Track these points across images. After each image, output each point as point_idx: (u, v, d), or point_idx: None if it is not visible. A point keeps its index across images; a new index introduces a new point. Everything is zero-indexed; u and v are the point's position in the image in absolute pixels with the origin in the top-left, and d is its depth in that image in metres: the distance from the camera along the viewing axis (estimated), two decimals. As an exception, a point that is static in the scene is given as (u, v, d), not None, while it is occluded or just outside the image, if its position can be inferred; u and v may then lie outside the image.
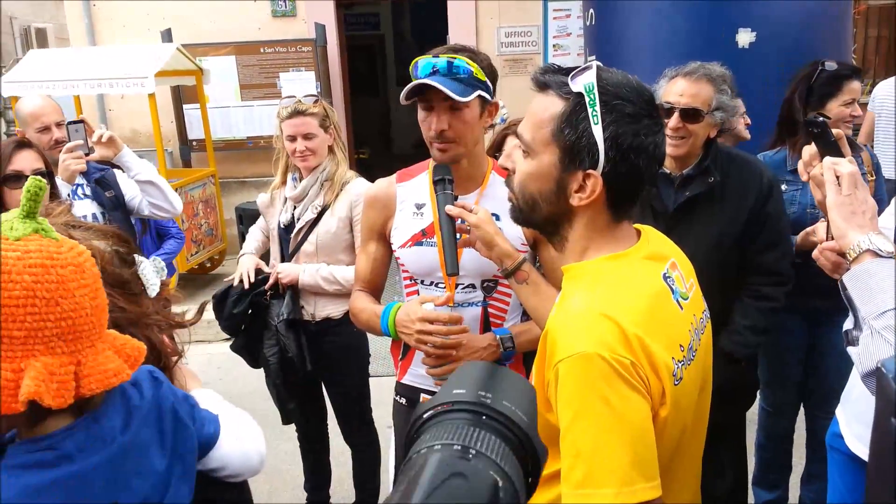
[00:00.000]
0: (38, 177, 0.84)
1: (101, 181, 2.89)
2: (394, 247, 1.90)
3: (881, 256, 1.20)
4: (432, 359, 1.74)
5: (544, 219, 1.19)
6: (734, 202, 2.17)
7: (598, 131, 1.07)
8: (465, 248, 1.69)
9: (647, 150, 1.08)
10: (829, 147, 1.39)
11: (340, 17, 7.32)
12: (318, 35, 6.72)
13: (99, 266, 0.95)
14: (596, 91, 1.07)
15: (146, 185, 2.95)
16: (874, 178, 2.67)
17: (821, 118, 1.44)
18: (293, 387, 2.78)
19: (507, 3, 6.95)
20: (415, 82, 1.65)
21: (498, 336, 1.78)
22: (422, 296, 1.82)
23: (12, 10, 8.43)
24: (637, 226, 1.23)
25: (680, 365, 1.09)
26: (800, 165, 1.55)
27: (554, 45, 7.03)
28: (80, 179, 2.85)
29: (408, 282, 1.91)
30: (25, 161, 2.50)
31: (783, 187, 2.50)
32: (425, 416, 0.51)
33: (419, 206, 1.86)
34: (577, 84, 1.08)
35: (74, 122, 2.86)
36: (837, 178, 1.30)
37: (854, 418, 1.72)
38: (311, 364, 2.69)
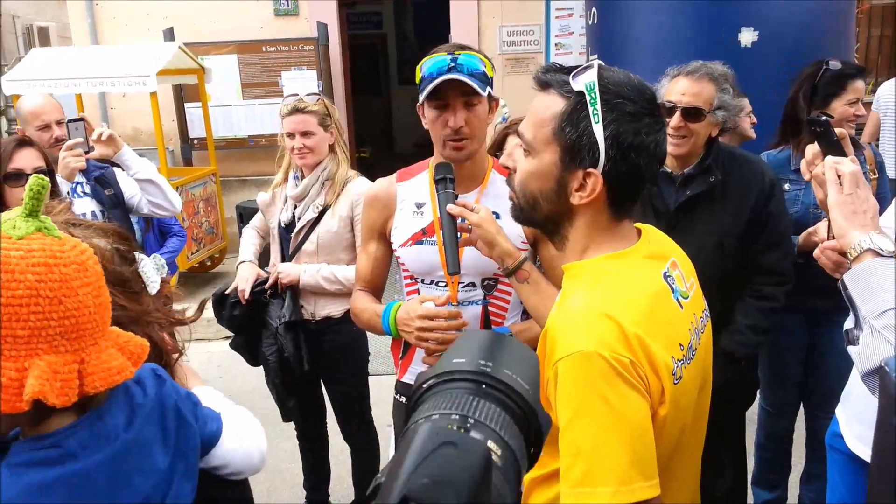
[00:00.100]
0: (41, 175, 0.84)
1: (101, 179, 2.90)
2: (394, 246, 1.90)
3: (882, 256, 1.20)
4: (433, 357, 1.74)
5: (545, 218, 1.19)
6: (736, 201, 2.17)
7: (598, 130, 1.07)
8: (466, 246, 1.69)
9: (647, 148, 1.08)
10: (832, 146, 1.38)
11: (343, 16, 7.32)
12: (320, 34, 6.72)
13: (100, 264, 0.95)
14: (597, 90, 1.07)
15: (145, 184, 2.95)
16: (877, 176, 2.66)
17: (824, 117, 1.44)
18: (292, 385, 2.78)
19: (509, 2, 6.94)
20: (443, 77, 1.63)
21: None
22: (422, 295, 1.82)
23: (15, 8, 8.43)
24: (638, 225, 1.23)
25: (679, 364, 1.09)
26: (802, 164, 1.55)
27: (556, 44, 7.03)
28: (79, 177, 2.85)
29: (408, 281, 1.91)
30: (26, 159, 2.50)
31: (786, 187, 2.49)
32: (425, 386, 0.50)
33: (419, 206, 1.86)
34: (579, 83, 1.08)
35: (74, 120, 2.86)
36: (839, 177, 1.30)
37: (854, 418, 1.72)
38: (309, 364, 2.69)
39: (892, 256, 1.20)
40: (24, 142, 2.57)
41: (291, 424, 2.99)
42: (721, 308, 2.10)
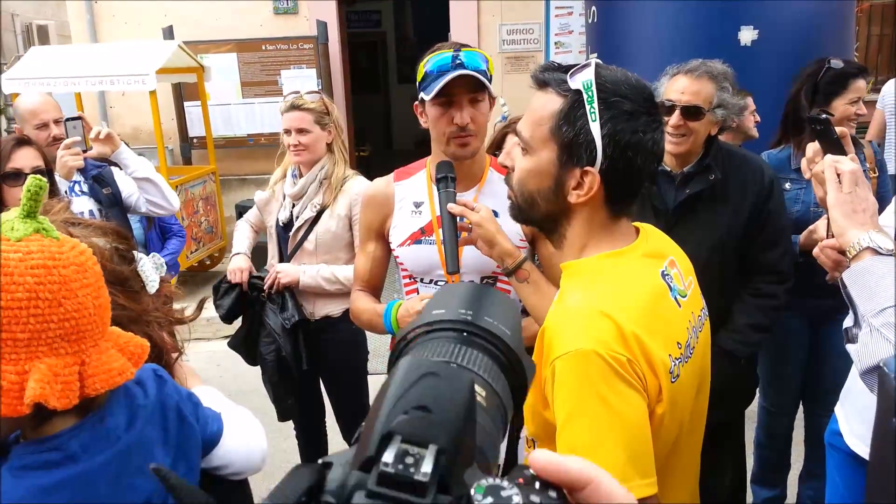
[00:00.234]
0: (39, 176, 0.83)
1: (99, 178, 2.89)
2: (392, 245, 1.90)
3: (881, 254, 1.20)
4: None
5: (543, 216, 1.19)
6: (735, 200, 2.17)
7: (595, 128, 1.07)
8: (466, 246, 1.69)
9: (645, 146, 1.08)
10: (832, 144, 1.38)
11: (342, 15, 7.32)
12: (319, 32, 6.72)
13: (99, 263, 0.95)
14: (594, 88, 1.07)
15: (143, 182, 2.95)
16: (877, 175, 2.66)
17: (824, 115, 1.44)
18: (291, 384, 2.78)
19: (508, 0, 6.94)
20: (455, 73, 1.63)
21: None
22: (422, 294, 1.82)
23: (14, 6, 8.42)
24: (636, 223, 1.23)
25: (677, 362, 1.09)
26: (803, 163, 1.55)
27: (556, 43, 7.02)
28: (77, 176, 2.85)
29: (407, 280, 1.91)
30: (25, 159, 2.50)
31: (787, 186, 2.49)
32: (406, 339, 0.49)
33: (417, 205, 1.85)
34: (576, 81, 1.08)
35: (72, 119, 2.86)
36: (838, 175, 1.30)
37: (853, 416, 1.72)
38: (308, 364, 2.70)
39: (891, 255, 1.20)
40: (23, 141, 2.57)
41: (290, 424, 2.99)
42: (720, 306, 2.10)
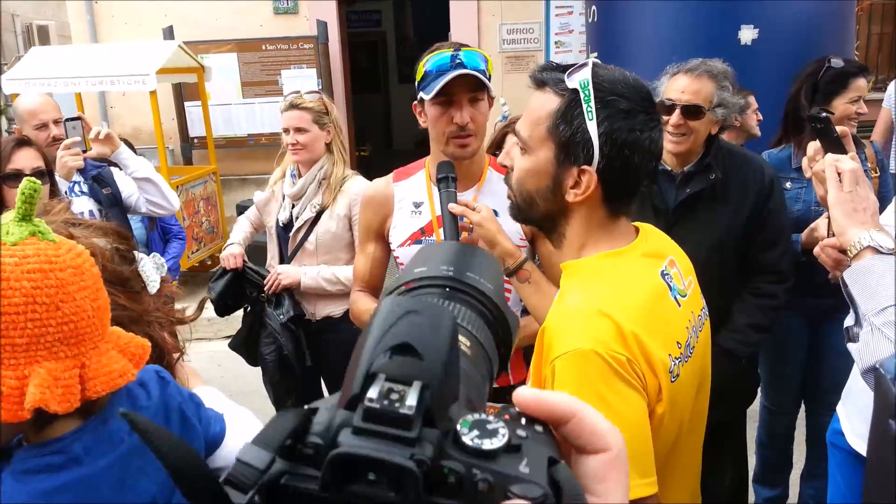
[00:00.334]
0: (33, 178, 0.82)
1: (98, 178, 2.90)
2: (392, 246, 1.89)
3: (882, 253, 1.20)
4: None
5: (541, 216, 1.19)
6: (735, 199, 2.17)
7: (592, 127, 1.07)
8: (466, 245, 1.68)
9: (642, 145, 1.08)
10: (832, 142, 1.38)
11: (342, 15, 7.32)
12: (319, 32, 6.71)
13: (99, 264, 0.94)
14: (591, 87, 1.07)
15: (143, 182, 2.95)
16: (878, 174, 2.66)
17: (824, 113, 1.44)
18: (292, 384, 2.78)
19: (509, 0, 6.94)
20: (455, 73, 1.63)
21: None
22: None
23: (14, 7, 8.42)
24: (636, 223, 1.23)
25: (677, 362, 1.09)
26: (804, 161, 1.55)
27: (556, 42, 7.02)
28: (76, 176, 2.85)
29: (407, 280, 1.91)
30: (25, 160, 2.50)
31: (787, 185, 2.49)
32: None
33: (417, 205, 1.85)
34: (573, 80, 1.09)
35: (72, 119, 2.86)
36: (839, 174, 1.30)
37: (855, 415, 1.72)
38: (312, 360, 2.70)
39: (891, 254, 1.20)
40: (23, 142, 2.57)
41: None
42: (720, 306, 2.10)
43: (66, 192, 2.78)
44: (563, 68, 1.13)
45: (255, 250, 2.98)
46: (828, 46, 3.42)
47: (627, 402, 1.00)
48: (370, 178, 2.28)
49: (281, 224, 2.71)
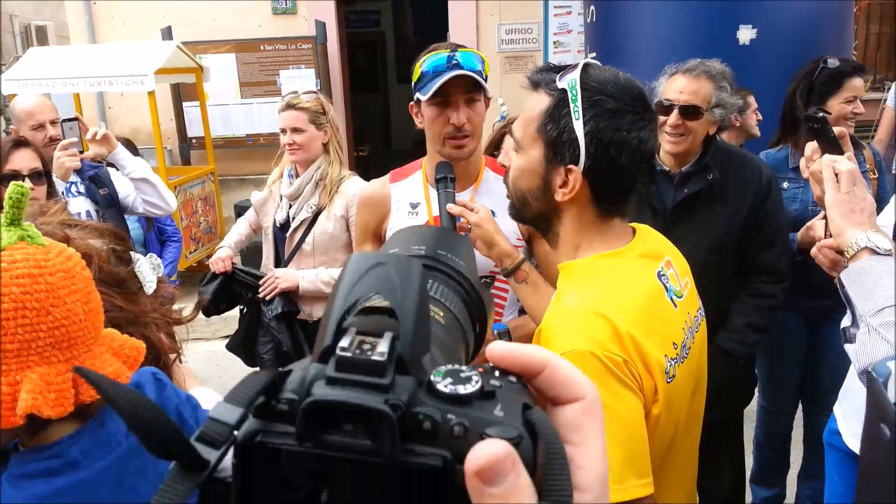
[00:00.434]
0: (20, 183, 0.80)
1: (95, 179, 2.90)
2: (391, 246, 1.89)
3: (879, 254, 1.20)
4: None
5: (535, 215, 1.21)
6: (733, 199, 2.17)
7: (578, 126, 1.08)
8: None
9: (629, 145, 1.08)
10: (829, 142, 1.38)
11: (341, 15, 7.32)
12: (318, 32, 6.71)
13: (96, 265, 0.94)
14: (578, 87, 1.08)
15: (140, 183, 2.95)
16: (876, 176, 2.66)
17: (821, 113, 1.44)
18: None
19: (507, 0, 6.94)
20: (451, 74, 1.63)
21: (495, 331, 1.78)
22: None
23: (13, 7, 8.42)
24: (633, 224, 1.23)
25: (673, 363, 1.09)
26: (801, 161, 1.55)
27: (554, 42, 7.02)
28: (74, 177, 2.85)
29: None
30: (23, 160, 2.49)
31: (785, 185, 2.49)
32: None
33: (414, 206, 1.85)
34: (563, 81, 1.10)
35: (69, 120, 2.86)
36: (836, 175, 1.30)
37: (852, 415, 1.72)
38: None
39: (889, 255, 1.20)
40: (21, 142, 2.56)
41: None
42: (718, 307, 2.10)
43: (62, 193, 2.78)
44: (559, 69, 1.13)
45: (253, 251, 2.99)
46: (827, 46, 3.42)
47: (624, 402, 1.00)
48: (368, 178, 2.28)
49: (278, 224, 2.71)
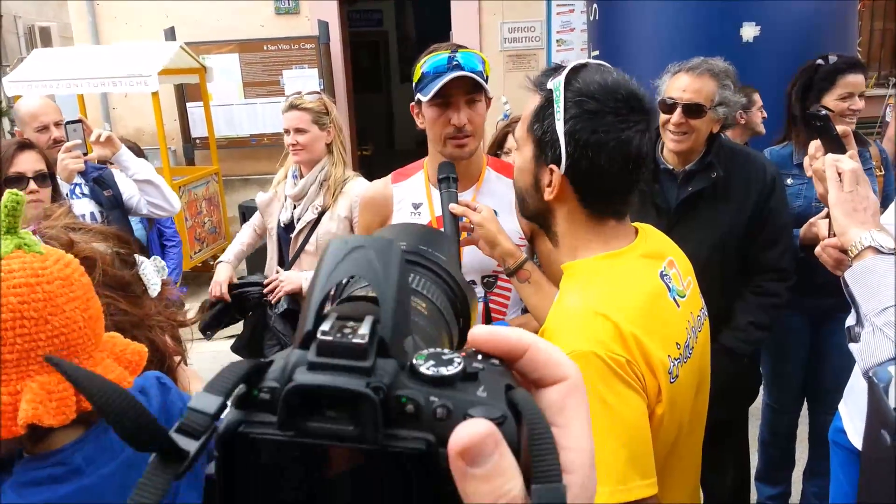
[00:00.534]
0: (17, 191, 0.79)
1: (100, 180, 2.91)
2: (393, 247, 1.90)
3: (883, 253, 1.20)
4: None
5: (532, 213, 1.23)
6: (737, 197, 2.17)
7: (560, 127, 1.09)
8: (468, 246, 1.69)
9: (605, 146, 1.08)
10: (832, 141, 1.38)
11: (344, 14, 7.32)
12: (321, 32, 6.72)
13: (100, 269, 0.95)
14: (562, 88, 1.09)
15: (144, 185, 2.96)
16: (882, 173, 2.65)
17: (823, 111, 1.44)
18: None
19: (510, -1, 6.94)
20: (452, 75, 1.63)
21: None
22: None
23: (16, 8, 8.45)
24: (635, 224, 1.23)
25: (676, 363, 1.09)
26: (805, 160, 1.55)
27: (557, 41, 7.01)
28: (78, 179, 2.86)
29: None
30: (27, 163, 2.50)
31: (789, 181, 2.49)
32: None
33: (416, 206, 1.86)
34: (553, 82, 1.11)
35: (73, 122, 2.87)
36: (839, 174, 1.30)
37: (856, 414, 1.71)
38: None
39: (892, 254, 1.19)
40: (25, 145, 2.57)
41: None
42: (721, 306, 2.10)
43: (67, 195, 2.79)
44: (561, 70, 1.14)
45: (257, 252, 2.99)
46: (829, 44, 3.42)
47: (627, 403, 1.00)
48: (372, 177, 2.28)
49: (282, 224, 2.71)
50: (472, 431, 0.29)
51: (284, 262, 2.74)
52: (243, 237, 2.95)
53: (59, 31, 8.44)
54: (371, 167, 7.51)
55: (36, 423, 0.76)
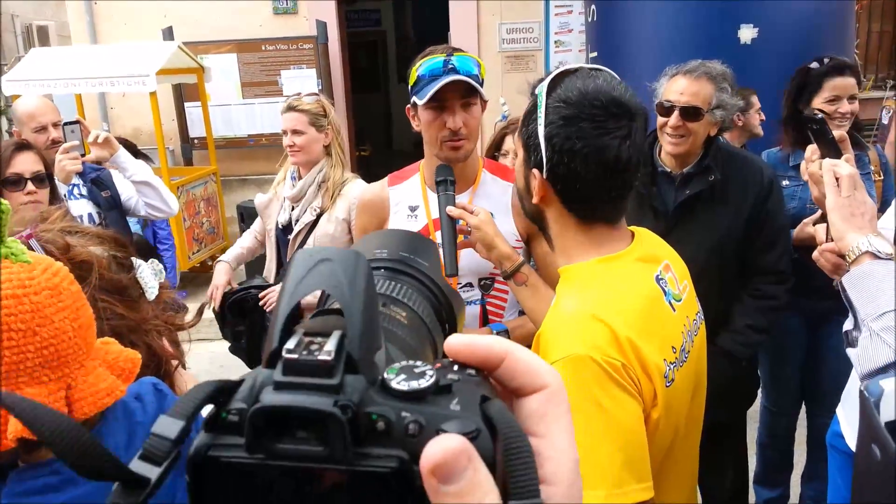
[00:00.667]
0: (1, 199, 0.77)
1: (98, 181, 2.90)
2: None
3: (880, 258, 1.20)
4: None
5: (529, 214, 1.26)
6: (735, 200, 2.17)
7: (541, 132, 1.10)
8: (465, 249, 1.69)
9: (579, 153, 1.08)
10: (827, 144, 1.38)
11: (342, 14, 7.31)
12: (319, 32, 6.71)
13: (96, 272, 0.94)
14: (545, 93, 1.10)
15: (142, 186, 2.96)
16: (881, 177, 2.66)
17: (819, 115, 1.44)
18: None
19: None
20: (447, 79, 1.64)
21: (494, 331, 1.79)
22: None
23: (14, 7, 8.43)
24: (632, 227, 1.23)
25: (672, 367, 1.09)
26: (802, 165, 1.55)
27: (555, 42, 7.01)
28: (76, 179, 2.86)
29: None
30: (25, 164, 2.50)
31: (784, 183, 2.49)
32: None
33: (413, 209, 1.86)
34: (539, 87, 1.13)
35: (70, 123, 2.87)
36: (837, 179, 1.30)
37: (854, 418, 1.71)
38: None
39: (890, 259, 1.20)
40: (23, 145, 2.57)
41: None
42: (719, 309, 2.10)
43: (64, 196, 2.78)
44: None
45: (257, 256, 2.99)
46: (828, 45, 3.42)
47: (623, 407, 1.00)
48: (370, 178, 2.28)
49: (280, 226, 2.71)
50: (444, 447, 0.28)
51: (282, 264, 2.73)
52: (244, 241, 2.95)
53: (56, 30, 8.43)
54: (369, 167, 7.51)
55: (26, 437, 0.74)
